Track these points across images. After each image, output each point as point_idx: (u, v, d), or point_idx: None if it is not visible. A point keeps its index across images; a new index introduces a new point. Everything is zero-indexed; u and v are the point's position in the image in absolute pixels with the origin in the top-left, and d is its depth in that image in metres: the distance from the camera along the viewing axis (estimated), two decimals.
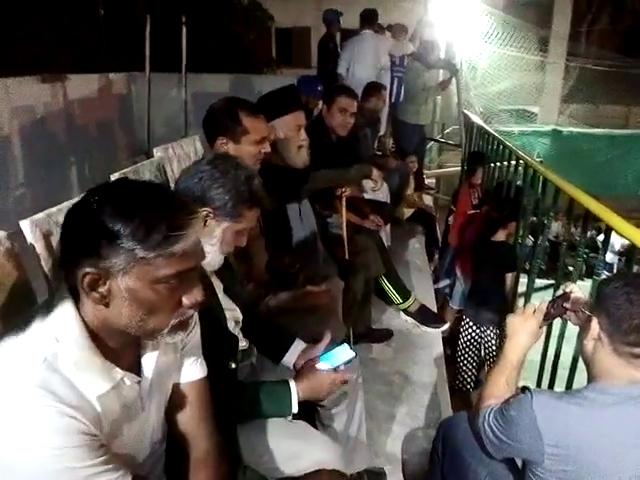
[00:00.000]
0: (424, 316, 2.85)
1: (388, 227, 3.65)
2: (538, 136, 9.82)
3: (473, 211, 3.71)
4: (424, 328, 2.83)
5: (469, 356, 3.16)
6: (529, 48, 9.59)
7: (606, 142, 9.68)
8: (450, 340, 3.48)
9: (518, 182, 3.13)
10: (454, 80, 5.88)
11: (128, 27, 5.83)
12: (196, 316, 1.02)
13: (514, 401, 1.22)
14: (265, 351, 1.57)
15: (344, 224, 2.47)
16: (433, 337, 2.80)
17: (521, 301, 2.88)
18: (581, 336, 1.21)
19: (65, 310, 0.79)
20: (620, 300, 1.08)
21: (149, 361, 0.90)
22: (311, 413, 1.60)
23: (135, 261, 0.76)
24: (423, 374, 2.47)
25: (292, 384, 1.35)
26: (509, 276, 2.88)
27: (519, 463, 1.34)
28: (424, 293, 3.25)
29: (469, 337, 3.16)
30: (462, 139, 5.49)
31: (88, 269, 0.76)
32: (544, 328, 1.42)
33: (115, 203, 0.77)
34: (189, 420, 0.97)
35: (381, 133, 5.11)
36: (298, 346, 1.56)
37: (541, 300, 1.40)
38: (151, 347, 0.90)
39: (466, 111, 5.23)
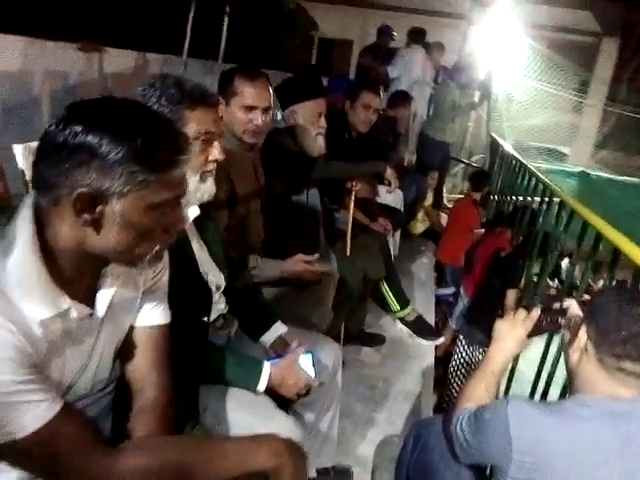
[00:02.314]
0: (420, 327, 2.79)
1: (398, 237, 3.60)
2: (565, 176, 9.68)
3: (482, 229, 3.69)
4: (418, 339, 2.77)
5: (459, 378, 3.07)
6: (568, 87, 9.51)
7: (634, 191, 9.49)
8: (444, 360, 3.39)
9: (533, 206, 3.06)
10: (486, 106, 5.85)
11: (172, 9, 5.92)
12: (166, 260, 0.98)
13: (489, 405, 1.17)
14: (245, 326, 1.53)
15: (350, 220, 2.43)
16: (426, 349, 2.73)
17: None
18: (567, 347, 1.15)
19: (23, 227, 0.75)
20: (611, 309, 1.03)
21: (105, 295, 0.86)
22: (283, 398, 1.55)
23: (135, 184, 0.73)
24: (409, 384, 2.40)
25: (266, 364, 1.31)
26: (511, 293, 2.80)
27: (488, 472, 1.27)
28: (424, 307, 3.19)
29: (461, 357, 3.07)
30: (486, 162, 5.43)
31: (83, 190, 0.72)
32: (533, 340, 1.36)
33: (113, 122, 0.73)
34: (141, 365, 0.93)
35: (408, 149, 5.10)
36: (279, 329, 1.52)
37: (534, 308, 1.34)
38: (110, 281, 0.86)
39: (495, 135, 5.16)
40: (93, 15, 5.12)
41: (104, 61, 4.99)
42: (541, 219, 2.92)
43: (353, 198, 2.43)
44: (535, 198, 3.16)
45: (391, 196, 3.31)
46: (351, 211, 2.45)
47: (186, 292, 1.23)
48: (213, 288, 1.38)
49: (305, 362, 1.37)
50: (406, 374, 2.48)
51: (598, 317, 1.05)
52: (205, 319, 1.32)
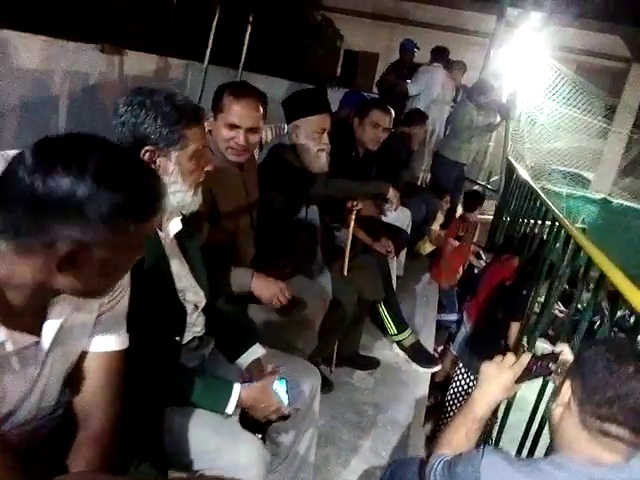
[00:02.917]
0: (417, 353, 2.71)
1: (403, 257, 3.53)
2: (586, 202, 9.51)
3: (457, 242, 4.05)
4: (414, 366, 2.68)
5: (455, 406, 2.98)
6: (594, 113, 9.34)
7: None
8: (443, 385, 3.30)
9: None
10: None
11: (196, 16, 5.96)
12: (126, 283, 0.94)
13: (464, 456, 1.10)
14: (222, 346, 1.48)
15: (349, 239, 2.37)
16: (421, 376, 2.65)
17: None
18: (550, 400, 1.07)
19: None
20: (598, 367, 0.95)
21: (54, 322, 0.82)
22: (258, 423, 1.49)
23: (115, 234, 0.72)
24: (400, 412, 2.32)
25: (236, 386, 1.27)
26: (514, 325, 2.70)
27: None
28: (424, 330, 3.11)
29: (459, 385, 2.98)
30: (500, 185, 5.33)
31: (63, 244, 0.69)
32: (522, 385, 1.28)
33: (99, 174, 0.69)
34: (90, 393, 0.89)
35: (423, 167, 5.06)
36: (257, 351, 1.47)
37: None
38: (60, 307, 0.82)
39: (511, 159, 5.06)
40: (120, 20, 5.16)
41: (126, 63, 5.04)
42: (548, 247, 2.83)
43: (354, 217, 2.38)
44: (546, 222, 3.08)
45: (398, 215, 3.24)
46: (351, 230, 2.40)
47: (158, 311, 1.20)
48: (190, 307, 1.34)
49: (279, 388, 1.32)
50: (398, 402, 2.40)
51: (584, 373, 0.98)
52: (177, 339, 1.28)
